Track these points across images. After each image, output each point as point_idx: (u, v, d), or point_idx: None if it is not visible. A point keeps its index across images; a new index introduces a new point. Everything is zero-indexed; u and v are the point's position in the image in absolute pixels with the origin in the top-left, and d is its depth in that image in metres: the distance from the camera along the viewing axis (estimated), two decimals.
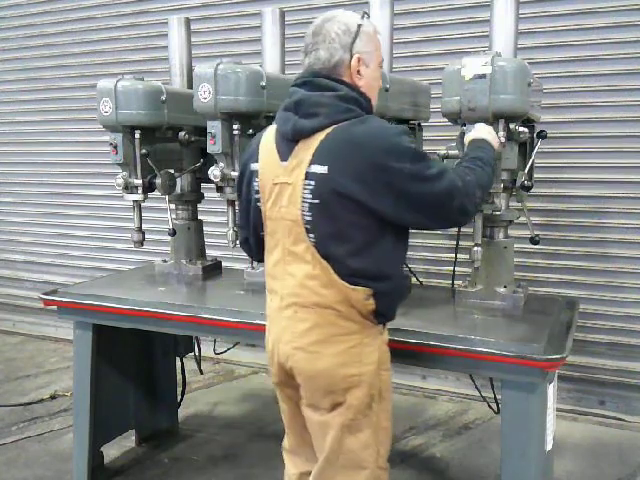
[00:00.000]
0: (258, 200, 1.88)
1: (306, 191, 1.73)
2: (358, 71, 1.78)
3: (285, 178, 1.77)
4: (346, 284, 1.75)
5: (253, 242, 2.02)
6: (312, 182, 1.71)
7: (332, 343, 1.79)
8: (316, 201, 1.72)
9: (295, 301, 1.80)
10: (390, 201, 1.69)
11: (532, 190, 2.50)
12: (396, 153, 1.68)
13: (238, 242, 2.21)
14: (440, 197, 1.74)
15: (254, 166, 1.89)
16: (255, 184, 1.88)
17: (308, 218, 1.74)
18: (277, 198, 1.80)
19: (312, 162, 1.71)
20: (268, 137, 1.88)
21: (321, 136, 1.71)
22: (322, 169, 1.70)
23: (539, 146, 2.41)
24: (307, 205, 1.73)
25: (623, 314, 3.57)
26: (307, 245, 1.75)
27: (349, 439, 1.84)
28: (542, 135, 2.39)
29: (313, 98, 1.74)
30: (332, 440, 1.83)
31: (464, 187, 1.78)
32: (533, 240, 2.39)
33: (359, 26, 1.76)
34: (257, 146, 1.91)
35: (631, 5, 3.31)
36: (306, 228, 1.74)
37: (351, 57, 1.76)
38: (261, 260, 2.06)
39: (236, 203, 2.61)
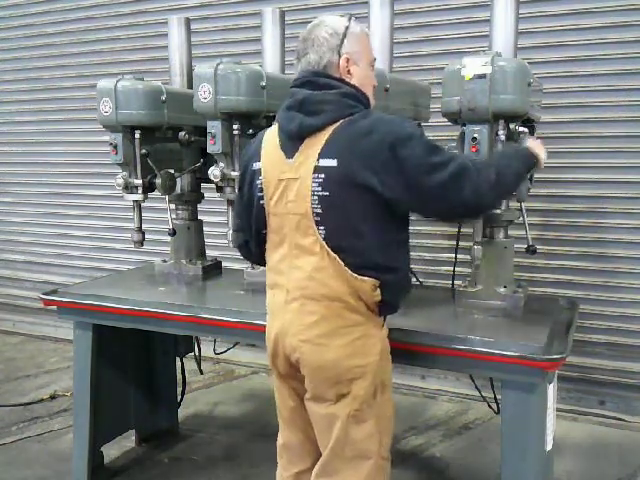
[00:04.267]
0: (261, 198, 1.91)
1: (315, 184, 1.77)
2: (348, 71, 1.83)
3: (292, 174, 1.81)
4: (355, 275, 1.78)
5: (254, 244, 2.03)
6: (322, 175, 1.76)
7: (338, 335, 1.82)
8: (326, 193, 1.76)
9: (302, 294, 1.83)
10: (401, 188, 1.73)
11: (530, 190, 2.51)
12: (403, 139, 1.73)
13: (236, 245, 2.21)
14: (450, 180, 1.74)
15: (256, 165, 1.92)
16: (258, 182, 1.91)
17: (318, 211, 1.78)
18: (283, 194, 1.84)
19: (320, 156, 1.76)
20: (270, 137, 1.92)
21: (328, 132, 1.77)
22: (332, 162, 1.74)
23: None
24: (317, 198, 1.77)
25: (620, 314, 3.57)
26: (316, 238, 1.79)
27: (354, 429, 1.87)
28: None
29: (317, 96, 1.79)
30: (338, 431, 1.86)
31: (476, 169, 1.79)
32: (529, 250, 2.39)
33: (346, 28, 1.83)
34: (259, 146, 1.94)
35: (628, 5, 3.32)
36: (316, 221, 1.78)
37: (340, 58, 1.81)
38: (259, 263, 2.10)
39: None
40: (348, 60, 1.82)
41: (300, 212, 1.80)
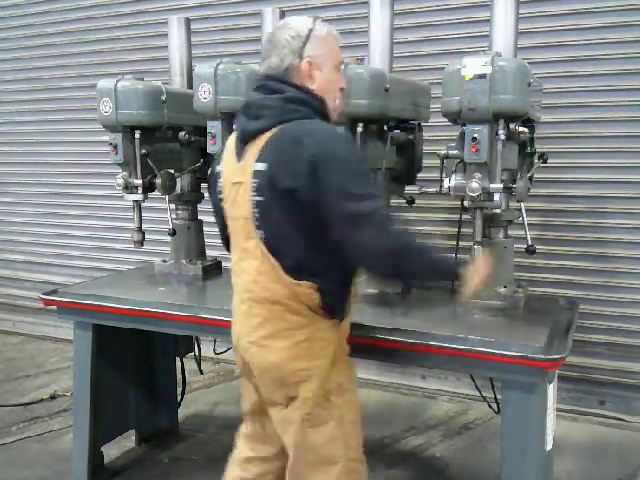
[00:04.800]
0: (221, 200, 1.95)
1: (252, 189, 1.79)
2: (310, 75, 1.82)
3: (239, 177, 1.84)
4: (291, 279, 1.79)
5: (225, 245, 2.10)
6: (257, 180, 1.78)
7: (281, 337, 1.84)
8: (260, 198, 1.79)
9: (249, 296, 1.87)
10: (317, 204, 1.70)
11: (530, 190, 2.52)
12: (327, 159, 1.70)
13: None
14: (357, 216, 1.68)
15: (218, 168, 1.97)
16: (219, 185, 1.95)
17: (257, 215, 1.80)
18: (234, 197, 1.87)
19: (256, 160, 1.78)
20: (231, 140, 1.95)
21: (266, 136, 1.77)
22: (263, 166, 1.76)
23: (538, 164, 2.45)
24: (255, 202, 1.79)
25: (620, 314, 3.57)
26: (257, 241, 1.82)
27: (313, 434, 1.87)
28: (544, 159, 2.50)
29: (259, 101, 1.82)
30: (295, 436, 1.88)
31: (388, 227, 1.72)
32: (529, 250, 2.39)
33: (310, 30, 1.81)
34: (223, 149, 1.99)
35: (628, 5, 3.32)
36: (256, 225, 1.81)
37: (301, 61, 1.80)
38: None
39: None
40: (310, 64, 1.81)
41: (243, 216, 1.83)
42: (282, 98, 1.78)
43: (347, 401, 1.92)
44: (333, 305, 1.87)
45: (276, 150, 1.74)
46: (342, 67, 1.94)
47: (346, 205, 1.68)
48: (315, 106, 1.82)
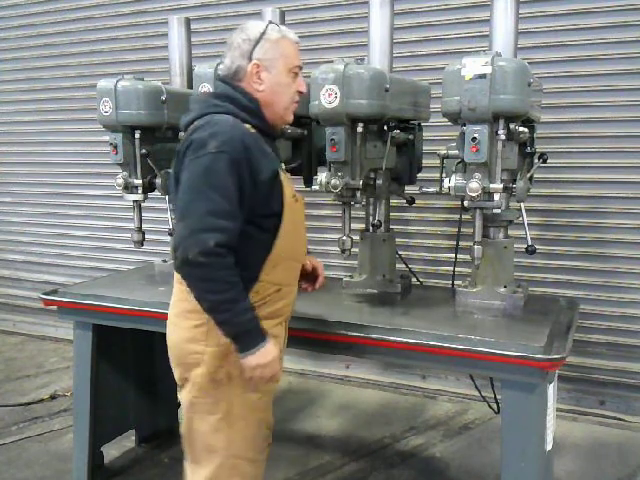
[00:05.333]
0: None
1: (174, 175, 1.88)
2: (258, 77, 1.87)
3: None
4: None
5: None
6: (175, 167, 1.88)
7: (184, 318, 1.92)
8: (175, 183, 1.86)
9: (175, 276, 1.97)
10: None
11: (530, 190, 2.52)
12: (196, 148, 1.74)
13: None
14: (181, 209, 1.75)
15: None
16: None
17: (172, 199, 1.92)
18: None
19: (177, 149, 1.87)
20: None
21: (190, 128, 1.85)
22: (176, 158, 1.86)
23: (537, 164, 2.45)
24: (174, 188, 1.87)
25: (620, 314, 3.57)
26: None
27: (197, 420, 1.92)
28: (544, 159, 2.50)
29: (194, 97, 1.95)
30: (185, 419, 1.95)
31: (201, 239, 1.67)
32: (528, 250, 2.39)
33: (261, 34, 1.86)
34: None
35: (628, 5, 3.32)
36: (172, 208, 1.91)
37: (249, 63, 1.85)
38: None
39: None
40: (258, 66, 1.85)
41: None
42: (210, 94, 1.90)
43: (238, 395, 1.90)
44: None
45: (184, 139, 1.84)
46: (298, 70, 1.94)
47: (183, 195, 1.75)
48: (244, 104, 1.85)
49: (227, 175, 1.71)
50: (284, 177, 1.90)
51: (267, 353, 1.79)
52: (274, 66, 1.87)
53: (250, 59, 1.85)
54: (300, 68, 1.95)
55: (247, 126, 1.84)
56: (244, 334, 1.77)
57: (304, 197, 2.01)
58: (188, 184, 1.74)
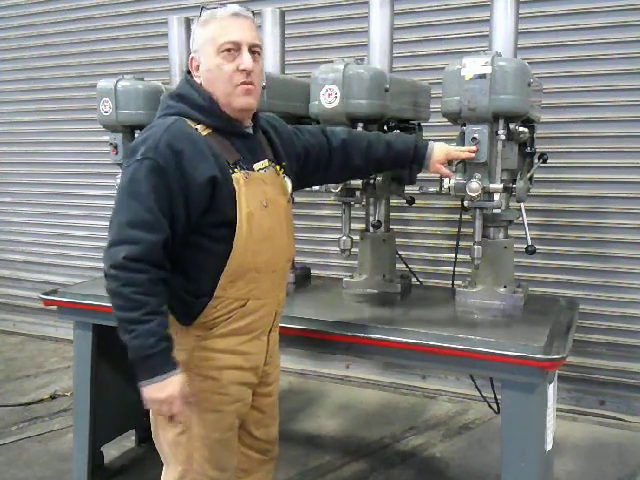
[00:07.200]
0: None
1: None
2: (197, 69, 1.77)
3: None
4: None
5: None
6: None
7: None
8: None
9: None
10: None
11: (530, 190, 2.51)
12: (129, 154, 1.70)
13: None
14: (112, 215, 1.67)
15: None
16: None
17: None
18: None
19: None
20: None
21: None
22: None
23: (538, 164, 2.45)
24: None
25: (620, 314, 3.57)
26: None
27: (160, 430, 1.87)
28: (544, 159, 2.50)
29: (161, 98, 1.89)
30: (152, 419, 1.90)
31: (109, 259, 1.60)
32: (528, 250, 2.40)
33: (196, 23, 1.77)
34: None
35: (628, 5, 3.32)
36: None
37: (189, 58, 1.80)
38: None
39: None
40: (193, 58, 1.77)
41: None
42: (168, 94, 1.83)
43: (196, 413, 1.78)
44: (171, 306, 1.73)
45: None
46: (231, 47, 1.69)
47: (112, 212, 1.67)
48: (199, 103, 1.74)
49: (149, 183, 1.60)
50: (244, 181, 1.70)
51: (164, 388, 1.62)
52: (204, 53, 1.72)
53: (191, 53, 1.79)
54: (234, 44, 1.69)
55: (199, 127, 1.71)
56: (142, 360, 1.61)
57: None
58: (117, 194, 1.67)
